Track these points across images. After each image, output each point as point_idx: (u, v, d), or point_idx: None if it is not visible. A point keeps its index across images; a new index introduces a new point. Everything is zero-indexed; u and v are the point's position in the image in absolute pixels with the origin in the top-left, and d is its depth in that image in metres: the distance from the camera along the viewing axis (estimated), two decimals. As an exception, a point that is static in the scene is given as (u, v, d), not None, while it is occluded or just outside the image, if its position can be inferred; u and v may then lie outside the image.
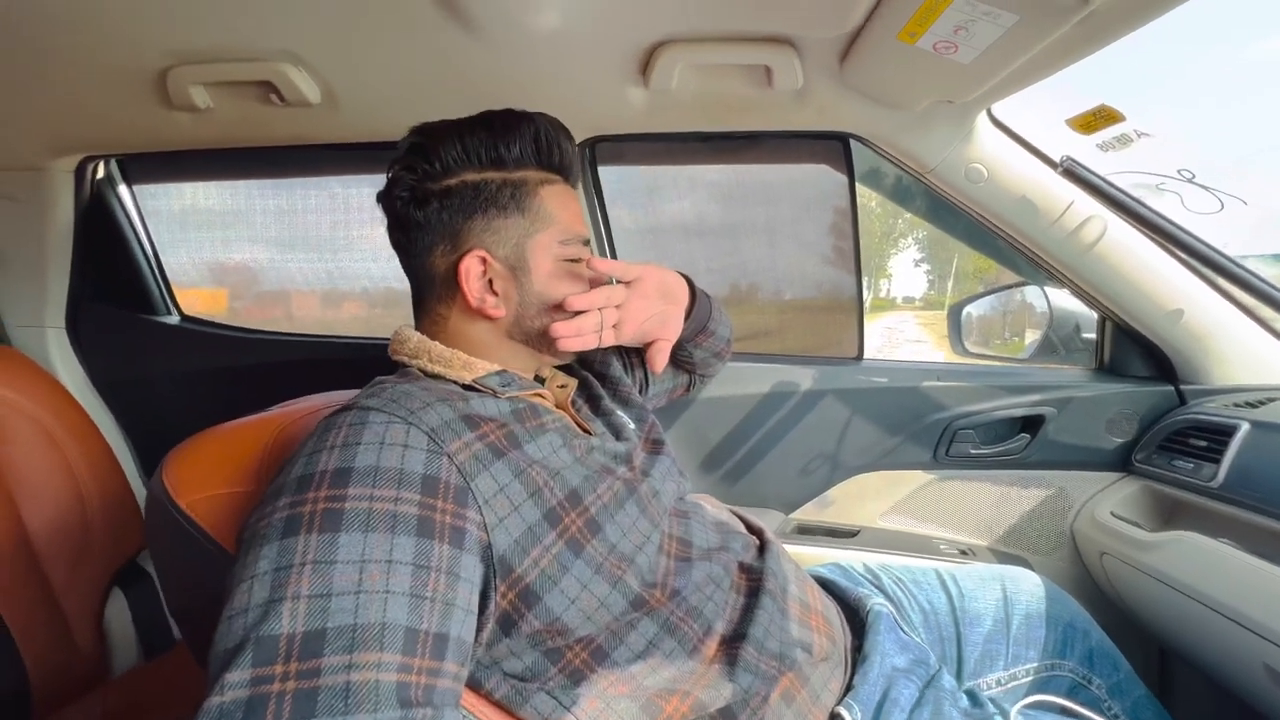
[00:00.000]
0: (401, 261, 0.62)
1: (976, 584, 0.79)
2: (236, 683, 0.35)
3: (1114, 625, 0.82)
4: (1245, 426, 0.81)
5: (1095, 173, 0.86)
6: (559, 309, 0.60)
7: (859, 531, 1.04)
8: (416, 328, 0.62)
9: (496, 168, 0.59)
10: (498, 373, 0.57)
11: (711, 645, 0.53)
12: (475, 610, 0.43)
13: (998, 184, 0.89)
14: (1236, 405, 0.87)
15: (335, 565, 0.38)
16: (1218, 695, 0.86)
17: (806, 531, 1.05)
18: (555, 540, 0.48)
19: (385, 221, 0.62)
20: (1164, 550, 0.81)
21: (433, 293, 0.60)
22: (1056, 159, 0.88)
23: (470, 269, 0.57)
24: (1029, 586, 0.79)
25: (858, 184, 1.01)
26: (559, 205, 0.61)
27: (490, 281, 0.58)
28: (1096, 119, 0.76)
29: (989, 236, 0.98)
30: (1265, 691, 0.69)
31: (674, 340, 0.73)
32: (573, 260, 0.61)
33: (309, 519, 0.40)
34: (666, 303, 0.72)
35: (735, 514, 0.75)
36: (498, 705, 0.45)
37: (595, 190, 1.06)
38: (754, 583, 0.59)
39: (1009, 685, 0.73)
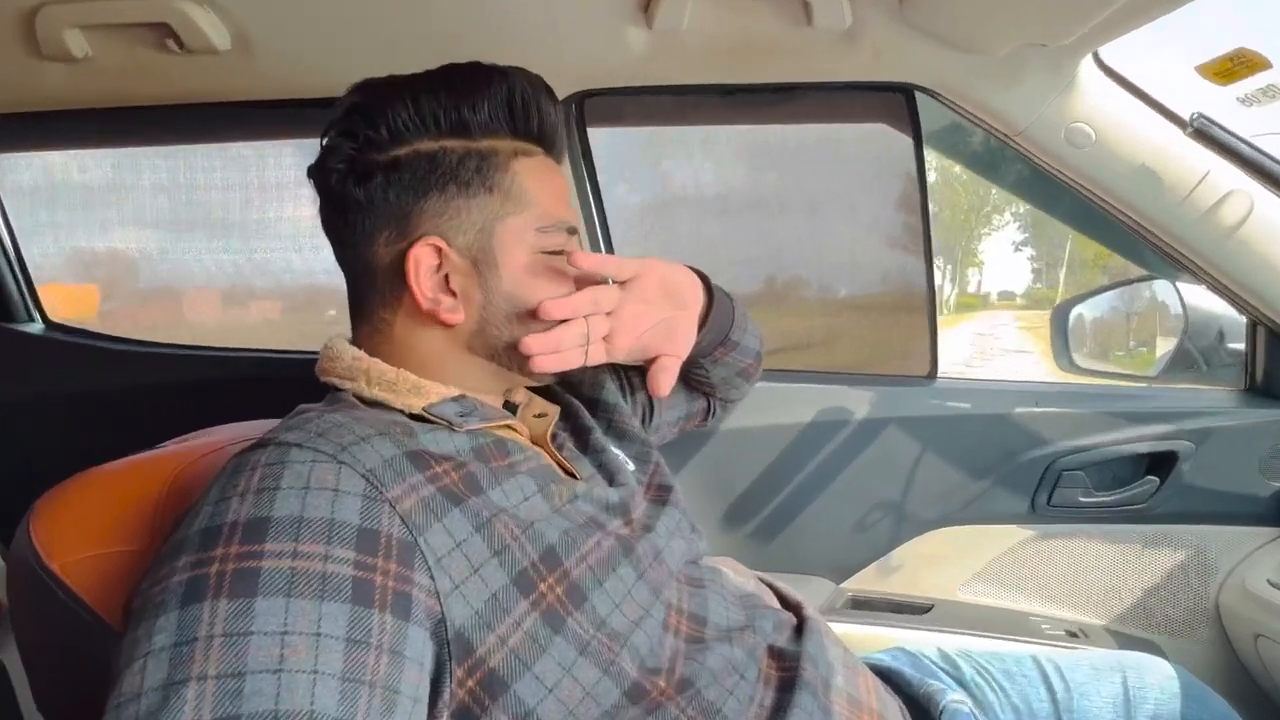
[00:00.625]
0: (335, 252, 0.65)
1: (1089, 676, 0.79)
2: None
3: None
4: None
5: (1236, 134, 0.88)
6: (533, 316, 0.62)
7: (932, 606, 1.05)
8: (354, 339, 0.64)
9: (459, 135, 0.60)
10: (455, 399, 0.59)
11: None
12: (425, 700, 0.45)
13: (1108, 149, 0.91)
14: None
15: (251, 638, 0.40)
16: None
17: (863, 606, 1.07)
18: (528, 612, 0.49)
19: (315, 200, 0.64)
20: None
21: (374, 292, 0.62)
22: (1186, 117, 0.90)
23: (421, 260, 0.59)
24: (1158, 680, 0.79)
25: (927, 148, 1.04)
26: (537, 183, 0.63)
27: (446, 278, 0.60)
28: (1236, 66, 0.79)
29: (1099, 217, 1.00)
30: None
31: (683, 356, 0.74)
32: (554, 253, 0.63)
33: (216, 581, 0.42)
34: (673, 307, 0.73)
35: (766, 583, 0.76)
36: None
37: (584, 158, 1.09)
38: (788, 673, 0.60)
39: None
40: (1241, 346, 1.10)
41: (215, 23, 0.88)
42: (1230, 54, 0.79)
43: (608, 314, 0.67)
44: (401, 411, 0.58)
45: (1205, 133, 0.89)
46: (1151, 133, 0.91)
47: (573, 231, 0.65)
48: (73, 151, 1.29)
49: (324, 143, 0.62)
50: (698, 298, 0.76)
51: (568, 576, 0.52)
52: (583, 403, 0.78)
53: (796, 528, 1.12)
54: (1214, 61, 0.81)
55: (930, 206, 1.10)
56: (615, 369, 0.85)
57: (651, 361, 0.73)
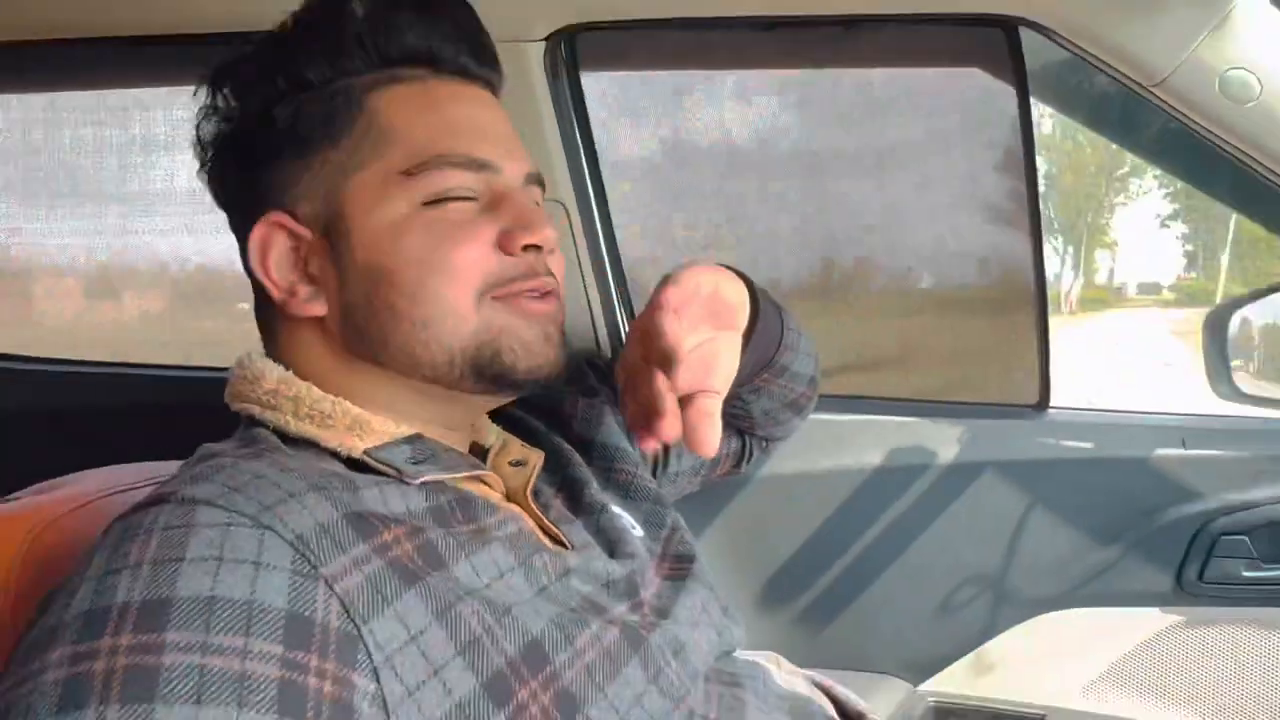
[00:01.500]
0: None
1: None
2: None
3: None
4: None
5: None
6: (433, 269, 0.61)
7: (1045, 718, 1.05)
8: (273, 356, 0.65)
9: (301, 89, 0.63)
10: (407, 439, 0.60)
11: None
12: None
13: (1278, 103, 0.92)
14: None
15: None
16: None
17: (951, 715, 1.07)
18: None
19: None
20: None
21: (256, 297, 0.66)
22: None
23: (267, 242, 0.62)
24: None
25: (1033, 102, 1.05)
26: (412, 114, 0.63)
27: (306, 261, 0.63)
28: None
29: (1266, 192, 1.00)
30: None
31: (725, 391, 0.63)
32: (444, 200, 0.62)
33: (104, 683, 0.42)
34: (716, 325, 0.63)
35: (820, 685, 0.77)
36: None
37: (575, 108, 1.10)
38: None
39: None
40: None
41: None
42: None
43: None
44: (336, 454, 0.59)
45: None
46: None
47: (479, 166, 0.63)
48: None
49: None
50: (744, 311, 0.67)
51: (557, 679, 0.53)
52: (574, 445, 0.78)
53: (859, 610, 1.12)
54: None
55: (1043, 170, 1.10)
56: (613, 398, 0.85)
57: (687, 406, 0.60)
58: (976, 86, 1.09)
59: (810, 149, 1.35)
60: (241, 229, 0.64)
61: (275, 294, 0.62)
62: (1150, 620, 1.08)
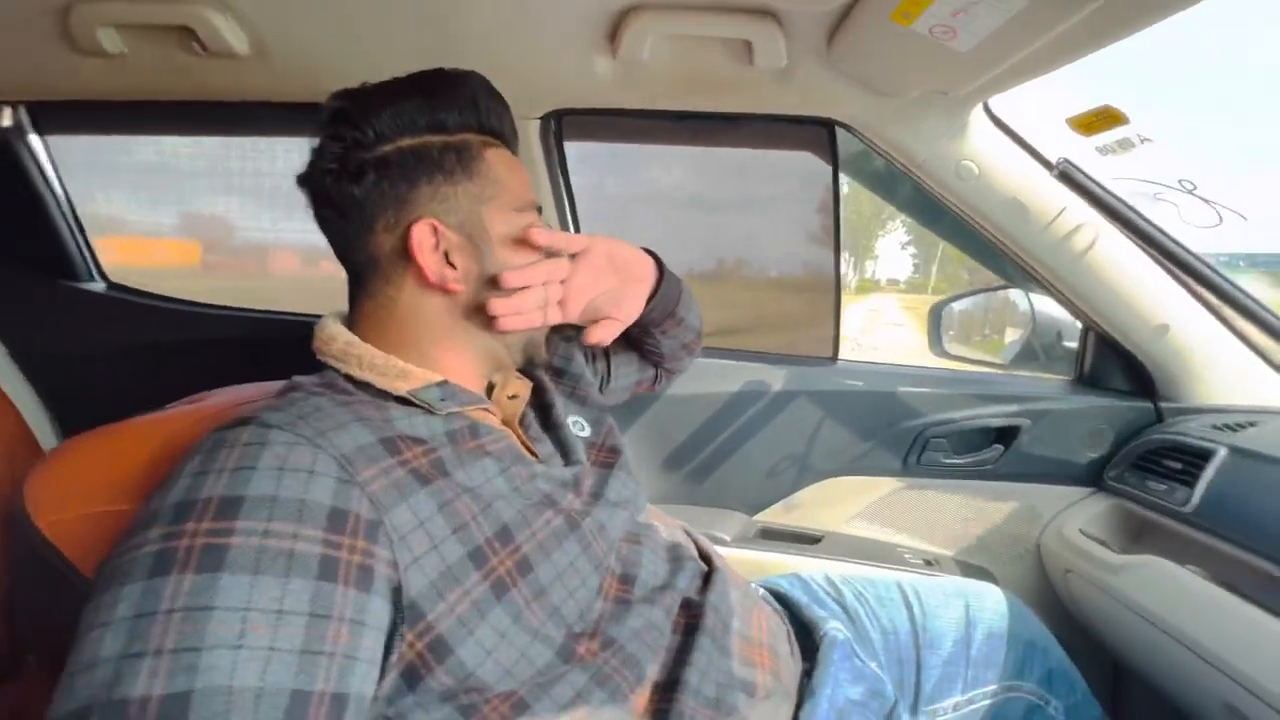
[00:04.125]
0: (334, 245, 0.55)
1: (940, 601, 0.76)
2: None
3: (1072, 640, 0.80)
4: (1223, 452, 0.78)
5: (1092, 177, 0.81)
6: (497, 285, 0.55)
7: (823, 537, 1.01)
8: (352, 316, 0.55)
9: (436, 132, 0.53)
10: (438, 384, 0.51)
11: (644, 694, 0.49)
12: (378, 660, 0.38)
13: (988, 183, 0.84)
14: (1215, 428, 0.84)
15: (213, 613, 0.33)
16: (1169, 716, 0.86)
17: (770, 535, 1.02)
18: (478, 583, 0.42)
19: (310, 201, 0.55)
20: (1130, 574, 0.79)
21: (377, 274, 0.53)
22: (1053, 160, 0.83)
23: (423, 240, 0.51)
24: (992, 604, 0.77)
25: (840, 170, 0.95)
26: (506, 170, 0.55)
27: (446, 254, 0.52)
28: (1099, 120, 0.71)
29: (974, 236, 0.93)
30: None
31: (626, 322, 0.67)
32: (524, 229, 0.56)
33: (184, 556, 0.34)
34: (620, 279, 0.66)
35: (688, 532, 0.70)
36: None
37: (560, 168, 0.98)
38: (693, 620, 0.55)
39: (966, 710, 0.71)
40: (1074, 345, 1.05)
41: (234, 28, 0.75)
42: (1095, 109, 0.71)
43: (561, 282, 0.60)
44: (386, 393, 0.50)
45: (1067, 174, 0.82)
46: (1024, 171, 0.84)
47: (539, 210, 0.58)
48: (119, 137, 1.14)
49: (314, 148, 0.53)
50: (647, 273, 0.68)
51: (518, 551, 0.45)
52: (551, 373, 0.70)
53: (722, 472, 1.06)
54: (1081, 115, 0.73)
55: (841, 214, 1.03)
56: (579, 342, 0.77)
57: (594, 323, 0.66)
58: (805, 163, 0.99)
59: (704, 196, 1.26)
60: (386, 228, 0.52)
61: (430, 275, 0.52)
62: (886, 484, 1.03)
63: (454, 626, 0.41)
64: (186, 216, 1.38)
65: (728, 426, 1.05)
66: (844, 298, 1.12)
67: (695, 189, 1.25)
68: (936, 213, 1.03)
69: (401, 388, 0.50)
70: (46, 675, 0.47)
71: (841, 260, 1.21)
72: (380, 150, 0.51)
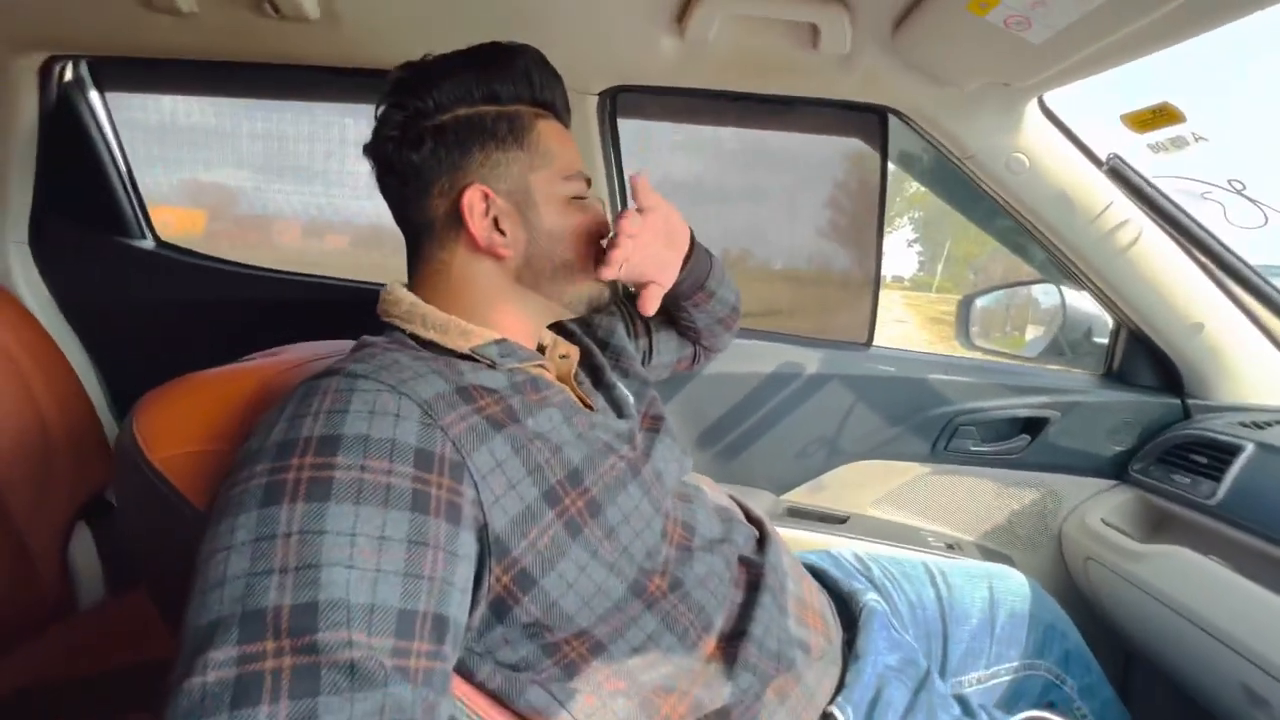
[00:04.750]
0: (394, 211, 0.57)
1: (964, 581, 0.78)
2: (221, 661, 0.31)
3: (1086, 627, 0.83)
4: (1250, 447, 0.80)
5: (1141, 174, 0.82)
6: (583, 240, 0.56)
7: (849, 518, 1.04)
8: (411, 281, 0.57)
9: (490, 102, 0.55)
10: (497, 342, 0.53)
11: (710, 642, 0.51)
12: (470, 591, 0.41)
13: (1038, 177, 0.85)
14: (1243, 425, 0.86)
15: (325, 536, 0.35)
16: (1179, 703, 0.89)
17: (797, 514, 1.04)
18: (553, 521, 0.45)
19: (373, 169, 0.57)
20: (1153, 562, 0.81)
21: (432, 239, 0.55)
22: (1103, 157, 0.83)
23: (474, 204, 0.53)
24: (1014, 586, 0.79)
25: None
26: (557, 141, 0.57)
27: (496, 220, 0.54)
28: (1156, 117, 0.72)
29: (1015, 230, 0.94)
30: (1240, 709, 0.70)
31: (667, 287, 0.68)
32: (577, 198, 0.58)
33: (293, 487, 0.37)
34: (668, 244, 0.66)
35: (734, 499, 0.72)
36: (492, 696, 0.43)
37: (613, 145, 0.99)
38: (754, 578, 0.57)
39: (989, 683, 0.74)
40: (1103, 341, 1.07)
41: (307, -8, 0.76)
42: (1153, 107, 0.72)
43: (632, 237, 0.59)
44: (451, 351, 0.52)
45: (1117, 170, 0.82)
46: (1074, 166, 0.84)
47: (589, 181, 0.59)
48: (179, 97, 1.14)
49: (378, 114, 0.55)
50: (685, 243, 0.69)
51: (588, 493, 0.48)
52: (596, 344, 0.72)
53: (753, 451, 1.08)
54: (1138, 112, 0.74)
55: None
56: (624, 317, 0.78)
57: (641, 288, 0.66)
58: (852, 153, 1.00)
59: (747, 187, 1.26)
60: (441, 193, 0.54)
61: (480, 239, 0.53)
62: (914, 469, 1.05)
63: (537, 560, 0.43)
64: (191, 186, 1.37)
65: (760, 407, 1.06)
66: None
67: (727, 180, 1.25)
68: (977, 206, 1.04)
69: (464, 345, 0.51)
70: (160, 604, 0.50)
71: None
72: (439, 119, 0.53)
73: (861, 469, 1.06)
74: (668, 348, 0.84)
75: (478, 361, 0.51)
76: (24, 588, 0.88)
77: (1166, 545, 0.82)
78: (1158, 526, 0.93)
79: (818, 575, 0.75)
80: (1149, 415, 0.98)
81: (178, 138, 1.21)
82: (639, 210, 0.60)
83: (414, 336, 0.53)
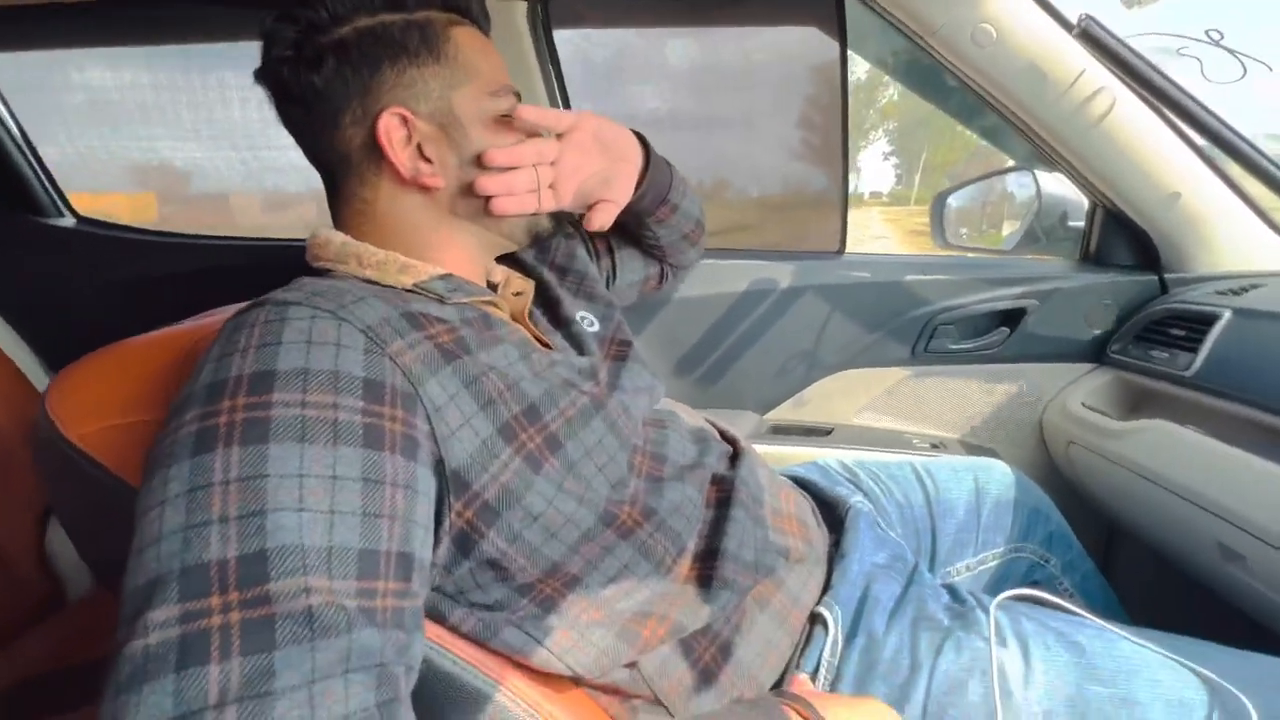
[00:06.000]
0: (302, 145, 0.52)
1: (950, 476, 0.79)
2: (162, 621, 0.29)
3: (1068, 507, 0.84)
4: (1227, 314, 0.79)
5: (1113, 34, 0.77)
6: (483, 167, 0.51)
7: (834, 429, 1.03)
8: (338, 226, 0.52)
9: (394, 9, 0.48)
10: (442, 276, 0.49)
11: (685, 564, 0.50)
12: (432, 528, 0.39)
13: (1006, 48, 0.79)
14: (1219, 293, 0.85)
15: (267, 480, 0.32)
16: (1158, 568, 0.92)
17: (782, 431, 1.04)
18: (512, 457, 0.42)
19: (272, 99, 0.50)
20: (1132, 439, 0.82)
21: (351, 174, 0.50)
22: (1073, 20, 0.78)
23: (392, 131, 0.47)
24: (999, 476, 0.80)
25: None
26: (478, 52, 0.51)
27: (420, 147, 0.49)
28: (1129, -35, 0.66)
29: (984, 114, 0.89)
30: (1214, 566, 0.72)
31: (621, 203, 0.64)
32: (508, 116, 0.52)
33: (226, 431, 0.33)
34: (610, 159, 0.62)
35: (710, 421, 0.70)
36: (467, 638, 0.42)
37: (551, 58, 0.91)
38: (724, 494, 0.56)
39: (977, 570, 0.76)
40: (1080, 224, 1.04)
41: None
42: (1126, -46, 0.66)
43: (551, 164, 0.56)
44: (391, 287, 0.47)
45: (1089, 33, 0.77)
46: (1043, 32, 0.79)
47: (518, 95, 0.54)
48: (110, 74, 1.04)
49: (264, 31, 0.48)
50: (635, 154, 0.64)
51: (546, 429, 0.45)
52: (555, 272, 0.67)
53: (733, 373, 1.06)
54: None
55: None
56: (584, 238, 0.74)
57: (591, 208, 0.62)
58: (809, 47, 0.93)
59: (703, 111, 1.20)
60: (354, 120, 0.48)
61: (404, 170, 0.48)
62: (895, 374, 1.04)
63: (500, 494, 0.41)
64: (137, 166, 1.28)
65: (736, 327, 1.04)
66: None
67: (681, 104, 1.18)
68: (944, 94, 0.99)
69: (406, 281, 0.47)
70: (105, 588, 0.48)
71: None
72: (338, 32, 0.47)
73: (843, 379, 1.05)
74: (632, 267, 0.80)
75: (424, 296, 0.47)
76: (2, 588, 0.86)
77: (1146, 420, 0.82)
78: (1137, 404, 0.93)
79: (804, 486, 0.74)
80: (1127, 295, 0.96)
81: (110, 117, 1.11)
82: (558, 137, 0.56)
83: (352, 276, 0.48)
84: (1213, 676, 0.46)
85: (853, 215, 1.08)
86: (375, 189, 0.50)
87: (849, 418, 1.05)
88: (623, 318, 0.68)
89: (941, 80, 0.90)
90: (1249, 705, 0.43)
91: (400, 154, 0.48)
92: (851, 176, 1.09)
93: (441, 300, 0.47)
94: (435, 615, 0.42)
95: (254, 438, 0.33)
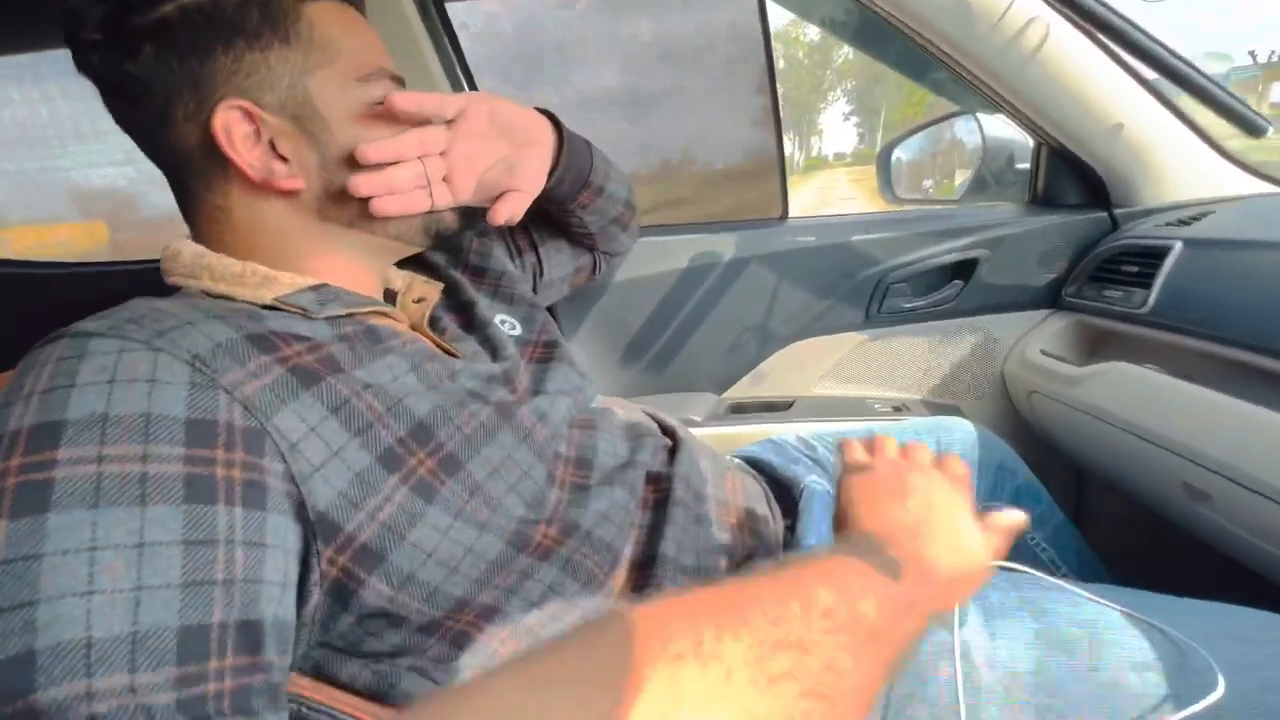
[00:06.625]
0: (139, 145, 0.45)
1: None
2: None
3: (1037, 458, 0.81)
4: (1178, 246, 0.76)
5: (1041, -41, 0.72)
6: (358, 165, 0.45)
7: (793, 402, 0.99)
8: (195, 237, 0.46)
9: None
10: (314, 288, 0.43)
11: (621, 574, 0.46)
12: (293, 583, 0.33)
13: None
14: (1169, 224, 0.82)
15: (43, 560, 0.26)
16: (1128, 512, 0.90)
17: (741, 410, 1.00)
18: (397, 486, 0.37)
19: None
20: (1092, 383, 0.79)
21: (196, 178, 0.43)
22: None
23: (231, 127, 0.41)
24: (961, 435, 0.78)
25: (777, 16, 0.84)
26: (339, 30, 0.44)
27: (272, 144, 0.42)
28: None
29: (922, 62, 0.84)
30: (1180, 506, 0.70)
31: (532, 193, 0.57)
32: (381, 104, 0.46)
33: None
34: (513, 144, 0.55)
35: (648, 413, 0.66)
36: (362, 695, 0.37)
37: (447, 35, 0.84)
38: (662, 493, 0.51)
39: None
40: (1027, 166, 1.00)
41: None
42: None
43: (441, 155, 0.49)
44: (251, 303, 0.41)
45: (1015, -41, 0.72)
46: (969, -37, 0.74)
47: (399, 80, 0.47)
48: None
49: (69, 10, 0.40)
50: (543, 136, 0.57)
51: (441, 449, 0.39)
52: (469, 273, 0.62)
53: (684, 355, 1.02)
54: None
55: (781, 91, 0.92)
56: (502, 234, 0.68)
57: (498, 200, 0.55)
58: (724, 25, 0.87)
59: (638, 92, 1.14)
60: (187, 116, 0.41)
61: (251, 173, 0.42)
62: (851, 339, 1.01)
63: (381, 533, 0.35)
64: (81, 192, 1.19)
65: (683, 306, 0.99)
66: (794, 179, 1.04)
67: (615, 88, 1.12)
68: (883, 47, 0.94)
69: (267, 295, 0.41)
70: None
71: (786, 140, 1.12)
72: (157, 11, 0.40)
73: (799, 349, 1.01)
74: (560, 260, 0.74)
75: (286, 312, 0.41)
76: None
77: (1104, 364, 0.79)
78: (1095, 347, 0.91)
79: (757, 466, 0.71)
80: (1077, 235, 0.93)
81: (40, 143, 1.01)
82: (447, 124, 0.50)
83: (205, 293, 0.42)
84: (1179, 636, 0.44)
85: (819, 177, 1.05)
86: (226, 194, 0.43)
87: (809, 388, 1.02)
88: (549, 318, 0.63)
89: (881, 30, 0.84)
90: (1213, 663, 0.41)
91: (246, 154, 0.41)
92: (814, 139, 1.05)
93: (306, 315, 0.42)
94: (322, 673, 0.37)
95: (29, 508, 0.27)
